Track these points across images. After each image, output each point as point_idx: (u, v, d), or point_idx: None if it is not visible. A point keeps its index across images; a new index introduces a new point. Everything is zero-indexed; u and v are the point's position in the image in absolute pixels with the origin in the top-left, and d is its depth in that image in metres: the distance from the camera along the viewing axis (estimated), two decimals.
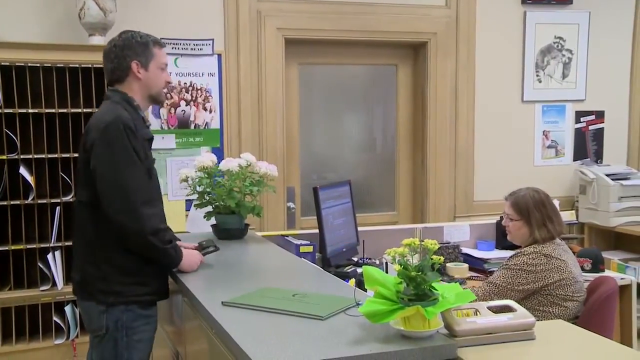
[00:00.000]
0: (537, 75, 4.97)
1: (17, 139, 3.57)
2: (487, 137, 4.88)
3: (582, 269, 3.03)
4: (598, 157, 5.16)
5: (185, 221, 4.07)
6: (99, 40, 3.73)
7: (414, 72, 4.89)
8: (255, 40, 4.31)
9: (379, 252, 3.24)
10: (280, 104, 4.40)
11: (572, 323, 2.51)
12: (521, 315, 1.79)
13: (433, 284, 1.66)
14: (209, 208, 3.10)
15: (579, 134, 5.13)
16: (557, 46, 4.99)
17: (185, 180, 3.08)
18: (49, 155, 3.65)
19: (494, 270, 3.08)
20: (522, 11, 4.90)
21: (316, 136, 4.82)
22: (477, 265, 3.46)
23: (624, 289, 3.23)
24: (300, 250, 3.05)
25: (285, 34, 4.38)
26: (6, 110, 3.56)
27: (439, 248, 1.71)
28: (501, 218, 3.00)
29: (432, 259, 1.67)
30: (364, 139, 4.98)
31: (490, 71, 4.84)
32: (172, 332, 2.72)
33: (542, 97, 5.01)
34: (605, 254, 3.96)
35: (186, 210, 4.12)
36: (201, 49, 4.18)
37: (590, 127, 5.15)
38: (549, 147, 5.06)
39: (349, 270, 3.10)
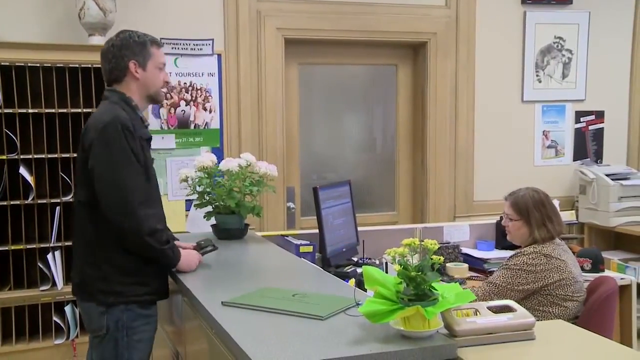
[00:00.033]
0: (537, 75, 4.97)
1: (17, 139, 3.57)
2: (487, 137, 4.88)
3: (582, 269, 3.03)
4: (598, 157, 5.16)
5: (185, 221, 4.08)
6: (98, 40, 3.73)
7: (413, 72, 4.89)
8: (255, 40, 4.31)
9: (379, 252, 3.24)
10: (280, 104, 4.40)
11: (572, 323, 2.52)
12: (521, 315, 1.79)
13: (433, 284, 1.66)
14: (209, 208, 3.10)
15: (579, 134, 5.13)
16: (557, 46, 4.99)
17: (185, 180, 3.08)
18: (49, 155, 3.65)
19: (493, 270, 3.08)
20: (522, 11, 4.90)
21: (316, 136, 4.82)
22: (477, 265, 3.46)
23: (624, 289, 3.23)
24: (300, 250, 3.05)
25: (285, 34, 4.38)
26: (6, 110, 3.56)
27: (438, 248, 1.71)
28: (501, 218, 3.00)
29: (432, 259, 1.67)
30: (364, 139, 4.98)
31: (490, 71, 4.84)
32: (172, 332, 2.72)
33: (542, 97, 5.01)
34: (605, 254, 3.96)
35: (186, 210, 4.12)
36: (201, 49, 4.18)
37: (590, 127, 5.15)
38: (549, 147, 5.06)
39: (348, 270, 3.10)
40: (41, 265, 3.67)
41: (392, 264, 1.82)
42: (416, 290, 1.64)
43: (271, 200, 4.31)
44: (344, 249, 3.25)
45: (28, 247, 3.63)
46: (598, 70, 5.09)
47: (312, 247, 3.08)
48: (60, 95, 3.64)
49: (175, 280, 2.42)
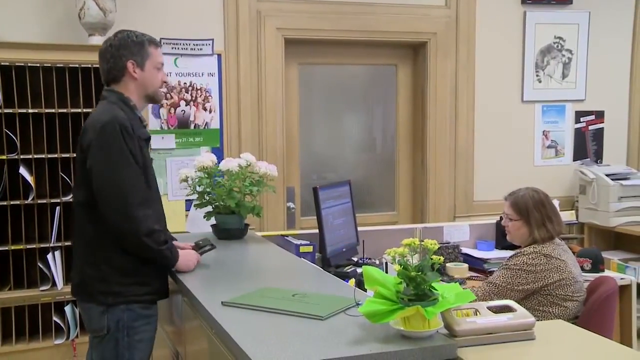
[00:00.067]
0: (537, 75, 4.97)
1: (17, 139, 3.57)
2: (487, 137, 4.88)
3: (582, 269, 3.03)
4: (598, 157, 5.16)
5: (185, 221, 4.08)
6: (98, 40, 3.72)
7: (413, 72, 4.89)
8: (255, 40, 4.31)
9: (379, 252, 3.24)
10: (280, 104, 4.40)
11: (572, 323, 2.51)
12: (521, 315, 1.79)
13: (433, 284, 1.66)
14: (209, 208, 3.10)
15: (579, 134, 5.13)
16: (557, 46, 4.99)
17: (185, 180, 3.08)
18: (49, 155, 3.65)
19: (493, 270, 3.08)
20: (522, 11, 4.90)
21: (316, 136, 4.82)
22: (476, 265, 3.46)
23: (624, 289, 3.23)
24: (300, 250, 3.05)
25: (285, 34, 4.38)
26: (6, 110, 3.56)
27: (438, 248, 1.71)
28: (501, 218, 3.00)
29: (432, 259, 1.67)
30: (364, 139, 4.98)
31: (490, 71, 4.84)
32: (172, 332, 2.72)
33: (542, 97, 5.01)
34: (605, 254, 3.97)
35: (186, 210, 4.12)
36: (201, 49, 4.18)
37: (590, 127, 5.15)
38: (549, 147, 5.06)
39: (348, 270, 3.10)
40: (41, 265, 3.67)
41: (392, 264, 1.82)
42: (416, 290, 1.64)
43: (271, 200, 4.31)
44: (344, 249, 3.25)
45: (28, 247, 3.63)
46: (598, 70, 5.09)
47: (312, 247, 3.08)
48: (60, 95, 3.64)
49: (175, 280, 2.42)
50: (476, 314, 1.77)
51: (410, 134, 4.92)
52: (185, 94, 4.19)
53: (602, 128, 5.17)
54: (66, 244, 3.62)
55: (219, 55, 4.23)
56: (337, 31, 4.49)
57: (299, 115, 4.63)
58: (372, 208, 4.87)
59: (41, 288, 3.65)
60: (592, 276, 3.02)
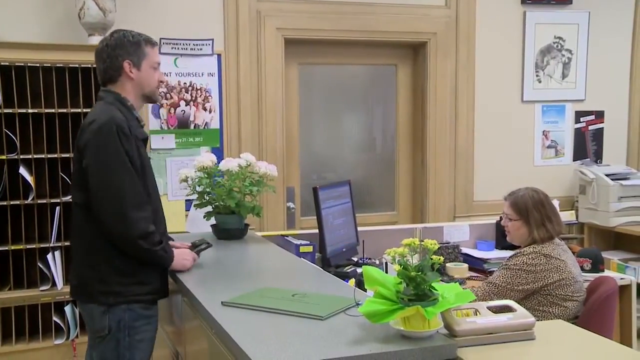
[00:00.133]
0: (537, 75, 4.97)
1: (16, 139, 3.57)
2: (487, 137, 4.88)
3: (582, 269, 3.03)
4: (598, 157, 5.16)
5: (185, 221, 4.07)
6: (98, 40, 3.70)
7: (413, 72, 4.89)
8: (255, 40, 4.31)
9: (378, 252, 3.24)
10: (280, 104, 4.40)
11: (572, 323, 2.51)
12: (521, 315, 1.79)
13: (433, 284, 1.66)
14: (209, 208, 3.10)
15: (579, 134, 5.13)
16: (557, 46, 4.99)
17: (185, 180, 3.08)
18: (49, 155, 3.64)
19: (493, 271, 3.08)
20: (522, 11, 4.90)
21: (316, 136, 4.82)
22: (476, 265, 3.46)
23: (624, 289, 3.23)
24: (300, 250, 3.05)
25: (285, 34, 4.38)
26: (6, 110, 3.56)
27: (438, 248, 1.71)
28: (501, 218, 3.00)
29: (432, 259, 1.67)
30: (363, 139, 4.98)
31: (490, 71, 4.84)
32: (172, 332, 2.72)
33: (542, 97, 5.01)
34: (605, 254, 3.97)
35: (186, 210, 4.12)
36: (201, 49, 4.18)
37: (590, 127, 5.15)
38: (549, 147, 5.06)
39: (348, 270, 3.10)
40: (41, 265, 3.67)
41: (392, 264, 1.82)
42: (416, 290, 1.64)
43: (271, 200, 4.31)
44: (344, 249, 3.25)
45: (28, 247, 3.63)
46: (598, 70, 5.09)
47: (312, 247, 3.08)
48: (60, 95, 3.64)
49: (175, 280, 2.42)
50: (476, 314, 1.78)
51: (410, 134, 4.92)
52: (185, 94, 4.19)
53: (602, 128, 5.17)
54: (66, 244, 3.62)
55: (219, 55, 4.23)
56: (337, 31, 4.49)
57: (299, 115, 4.63)
58: (372, 208, 4.87)
59: (41, 288, 3.65)
60: (592, 276, 3.02)
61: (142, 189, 2.36)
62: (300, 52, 4.55)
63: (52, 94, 3.63)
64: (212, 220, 3.11)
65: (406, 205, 4.96)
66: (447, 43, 4.72)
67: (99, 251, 2.35)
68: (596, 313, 2.69)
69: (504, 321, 1.75)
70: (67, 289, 3.47)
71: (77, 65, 3.63)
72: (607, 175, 4.71)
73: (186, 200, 4.05)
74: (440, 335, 1.68)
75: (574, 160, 5.11)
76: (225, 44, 4.25)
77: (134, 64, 2.44)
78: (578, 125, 5.12)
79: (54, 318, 3.68)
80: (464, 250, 3.57)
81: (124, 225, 2.27)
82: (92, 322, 2.41)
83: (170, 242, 2.52)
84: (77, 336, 3.70)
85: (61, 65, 3.62)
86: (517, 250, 2.79)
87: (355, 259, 3.34)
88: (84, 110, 3.64)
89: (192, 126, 4.22)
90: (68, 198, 3.62)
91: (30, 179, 3.58)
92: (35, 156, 3.62)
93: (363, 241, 3.41)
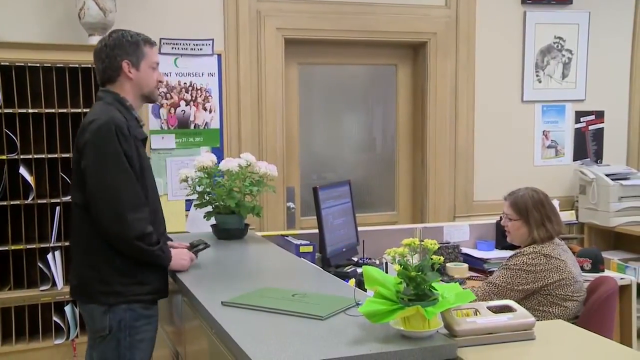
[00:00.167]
0: (537, 75, 4.97)
1: (17, 139, 3.57)
2: (487, 137, 4.88)
3: (582, 269, 3.03)
4: (598, 157, 5.16)
5: (185, 221, 4.07)
6: (98, 40, 3.73)
7: (413, 72, 4.89)
8: (255, 40, 4.31)
9: (379, 252, 3.24)
10: (280, 104, 4.40)
11: (572, 323, 2.51)
12: (521, 315, 1.79)
13: (433, 284, 1.66)
14: (209, 208, 3.10)
15: (579, 134, 5.13)
16: (557, 46, 4.99)
17: (185, 180, 3.07)
18: (49, 155, 3.64)
19: (493, 270, 3.08)
20: (522, 11, 4.90)
21: (316, 136, 4.82)
22: (476, 265, 3.46)
23: (624, 289, 3.23)
24: (300, 250, 3.05)
25: (285, 34, 4.38)
26: (6, 110, 3.56)
27: (438, 248, 1.71)
28: (501, 218, 3.00)
29: (432, 259, 1.67)
30: (363, 139, 4.98)
31: (490, 71, 4.84)
32: (172, 332, 2.72)
33: (542, 97, 5.01)
34: (605, 254, 3.97)
35: (186, 210, 4.12)
36: (201, 49, 4.18)
37: (590, 127, 5.15)
38: (549, 147, 5.06)
39: (348, 270, 3.10)
40: (41, 265, 3.67)
41: (392, 264, 1.82)
42: (416, 290, 1.64)
43: (271, 200, 4.32)
44: (344, 249, 3.25)
45: (28, 247, 3.63)
46: (598, 70, 5.09)
47: (312, 247, 3.08)
48: (60, 95, 3.64)
49: (175, 280, 2.42)
50: (476, 314, 1.77)
51: (410, 134, 4.92)
52: (185, 94, 4.19)
53: (602, 128, 5.17)
54: (66, 244, 3.62)
55: (219, 55, 4.23)
56: (337, 31, 4.49)
57: (299, 115, 4.63)
58: (372, 208, 4.87)
59: (41, 288, 3.65)
60: (592, 276, 3.02)
61: (140, 189, 2.36)
62: (300, 52, 4.55)
63: (52, 94, 3.63)
64: (212, 220, 3.11)
65: (406, 205, 4.96)
66: (447, 43, 4.72)
67: (98, 251, 2.35)
68: (596, 313, 2.69)
69: (504, 321, 1.75)
70: (67, 289, 3.48)
71: (77, 65, 3.63)
72: (607, 175, 4.71)
73: (186, 200, 4.06)
74: (440, 335, 1.68)
75: (574, 160, 5.11)
76: (225, 44, 4.25)
77: (132, 64, 2.43)
78: (578, 125, 5.12)
79: (54, 318, 3.68)
80: (464, 250, 3.57)
81: (120, 226, 2.27)
82: (93, 322, 2.40)
83: (169, 243, 2.51)
84: (77, 336, 3.70)
85: (61, 65, 3.62)
86: (517, 250, 2.79)
87: (355, 259, 3.34)
88: (84, 110, 3.63)
89: (192, 126, 4.22)
90: (68, 198, 3.62)
91: (30, 179, 3.58)
92: (35, 156, 3.62)
93: (363, 241, 3.41)
